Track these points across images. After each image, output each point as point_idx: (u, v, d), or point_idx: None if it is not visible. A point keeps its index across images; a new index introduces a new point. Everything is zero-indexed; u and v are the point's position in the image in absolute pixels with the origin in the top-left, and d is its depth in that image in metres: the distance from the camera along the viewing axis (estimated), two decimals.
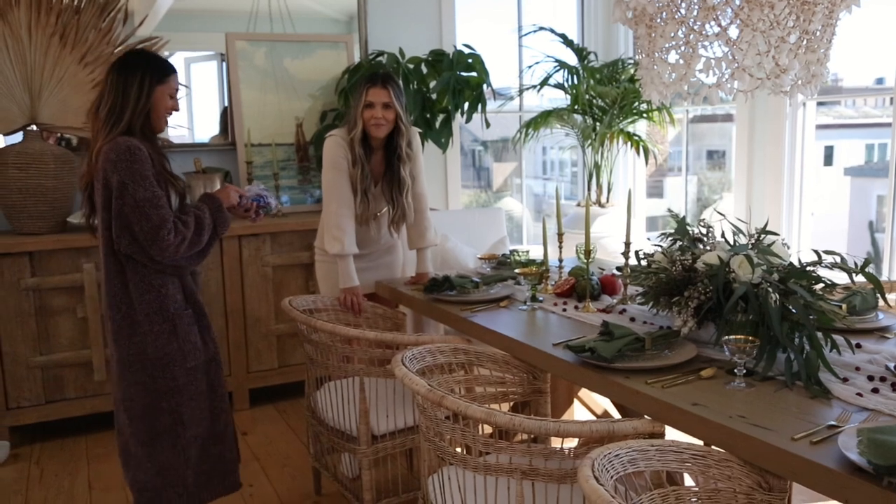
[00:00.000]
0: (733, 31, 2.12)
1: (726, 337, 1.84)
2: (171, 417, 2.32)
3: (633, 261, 2.55)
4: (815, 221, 4.80)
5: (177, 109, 2.41)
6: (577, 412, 3.23)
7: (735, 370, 1.82)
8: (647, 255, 2.37)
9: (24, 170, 3.48)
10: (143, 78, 2.27)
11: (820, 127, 5.26)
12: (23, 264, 3.39)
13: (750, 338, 1.83)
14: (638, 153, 4.86)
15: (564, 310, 2.61)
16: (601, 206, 4.89)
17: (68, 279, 3.47)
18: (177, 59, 4.25)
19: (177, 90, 2.38)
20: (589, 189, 4.93)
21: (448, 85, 4.12)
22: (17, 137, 3.65)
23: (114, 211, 2.21)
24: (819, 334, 1.90)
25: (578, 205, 5.10)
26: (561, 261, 3.02)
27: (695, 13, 2.08)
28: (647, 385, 1.82)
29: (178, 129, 4.19)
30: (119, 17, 3.83)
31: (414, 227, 3.16)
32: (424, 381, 1.83)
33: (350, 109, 3.05)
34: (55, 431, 3.63)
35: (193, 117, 4.33)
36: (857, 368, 1.88)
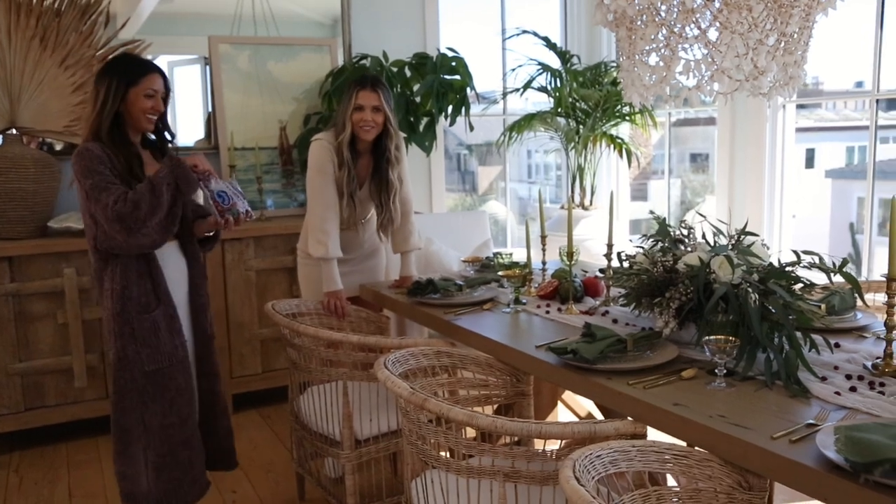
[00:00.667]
0: (713, 34, 2.14)
1: (707, 337, 1.85)
2: (134, 418, 2.37)
3: (615, 263, 2.56)
4: (796, 223, 4.84)
5: (158, 110, 2.43)
6: (562, 414, 3.24)
7: (716, 370, 1.83)
8: (628, 257, 2.38)
9: (4, 174, 3.45)
10: (111, 82, 2.35)
11: (801, 130, 5.31)
12: (2, 270, 3.36)
13: (730, 338, 1.84)
14: (621, 156, 4.88)
15: (548, 312, 2.61)
16: (584, 208, 4.91)
17: (48, 284, 3.44)
18: (160, 63, 4.19)
19: (157, 91, 2.41)
20: (572, 192, 4.95)
21: (432, 88, 4.12)
22: None
23: (80, 210, 2.35)
24: (798, 334, 1.91)
25: (562, 207, 5.11)
26: (544, 263, 3.02)
27: (675, 16, 2.10)
28: (628, 386, 1.83)
29: None
30: (100, 20, 3.81)
31: (399, 231, 3.15)
32: (407, 384, 1.83)
33: (337, 112, 3.05)
34: (35, 439, 3.59)
35: (177, 121, 4.31)
36: (836, 367, 1.89)
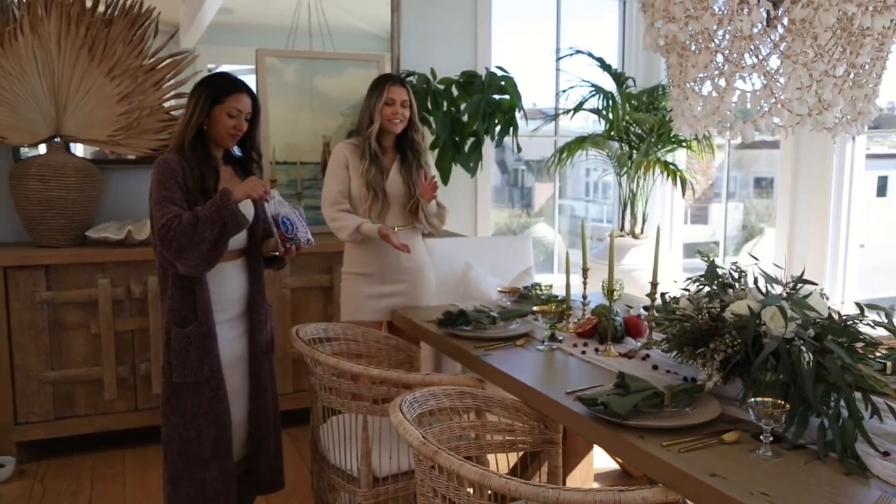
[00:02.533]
0: (773, 62, 1.97)
1: (753, 399, 1.67)
2: (162, 427, 2.45)
3: (659, 302, 2.39)
4: (864, 254, 4.56)
5: (240, 129, 2.49)
6: (598, 458, 3.06)
7: (761, 436, 1.65)
8: (672, 300, 2.21)
9: (46, 181, 3.45)
10: (199, 97, 2.44)
11: (872, 156, 5.01)
12: (38, 277, 3.35)
13: (779, 401, 1.65)
14: (675, 184, 4.67)
15: (584, 352, 2.45)
16: (635, 237, 4.71)
17: (83, 294, 3.42)
18: None
19: (241, 110, 2.46)
20: (623, 219, 4.76)
21: (479, 107, 4.00)
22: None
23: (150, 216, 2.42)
24: (858, 397, 1.72)
25: (609, 236, 4.93)
26: (585, 297, 2.86)
27: (730, 42, 1.93)
28: (662, 448, 1.66)
29: None
30: (150, 30, 3.80)
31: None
32: (420, 431, 1.70)
33: (363, 109, 3.13)
34: (63, 448, 3.57)
35: None
36: None
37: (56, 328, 3.41)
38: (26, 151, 3.72)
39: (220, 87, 2.45)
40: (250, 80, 4.19)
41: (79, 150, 3.81)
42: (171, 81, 3.84)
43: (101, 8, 3.66)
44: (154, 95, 3.78)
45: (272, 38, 4.23)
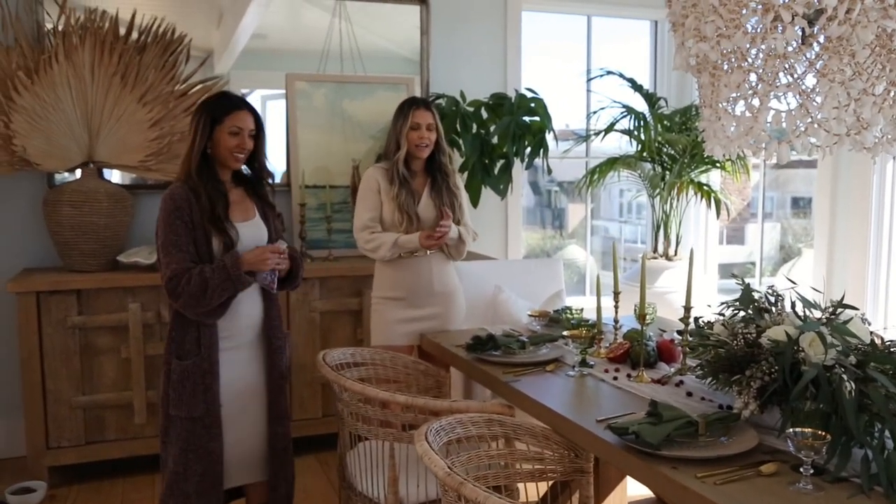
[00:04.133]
0: (809, 80, 1.91)
1: (791, 430, 1.60)
2: (162, 455, 2.49)
3: (693, 327, 2.32)
4: None
5: (243, 147, 2.44)
6: (632, 486, 2.98)
7: (801, 468, 1.58)
8: (706, 324, 2.14)
9: (78, 207, 3.49)
10: (199, 120, 2.41)
11: None
12: (70, 302, 3.38)
13: (819, 432, 1.58)
14: (709, 205, 4.59)
15: (616, 378, 2.39)
16: (668, 259, 4.63)
17: (114, 318, 3.44)
18: (254, 98, 4.29)
19: (242, 128, 2.42)
20: (656, 241, 4.68)
21: (508, 129, 3.98)
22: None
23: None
24: None
25: (643, 257, 4.85)
26: (617, 321, 2.80)
27: (763, 61, 1.88)
28: (697, 479, 1.60)
29: None
30: (182, 56, 3.85)
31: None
32: (445, 461, 1.66)
33: (390, 134, 3.13)
34: (93, 473, 3.57)
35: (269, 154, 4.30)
36: None
37: (87, 353, 3.44)
38: (60, 177, 3.78)
39: (219, 107, 2.42)
40: (280, 105, 4.26)
41: (115, 176, 3.86)
42: None
43: (135, 35, 3.72)
44: (185, 121, 3.81)
45: (304, 63, 4.26)
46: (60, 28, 3.58)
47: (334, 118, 4.21)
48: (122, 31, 3.70)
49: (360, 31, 4.36)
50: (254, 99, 4.27)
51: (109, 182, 3.75)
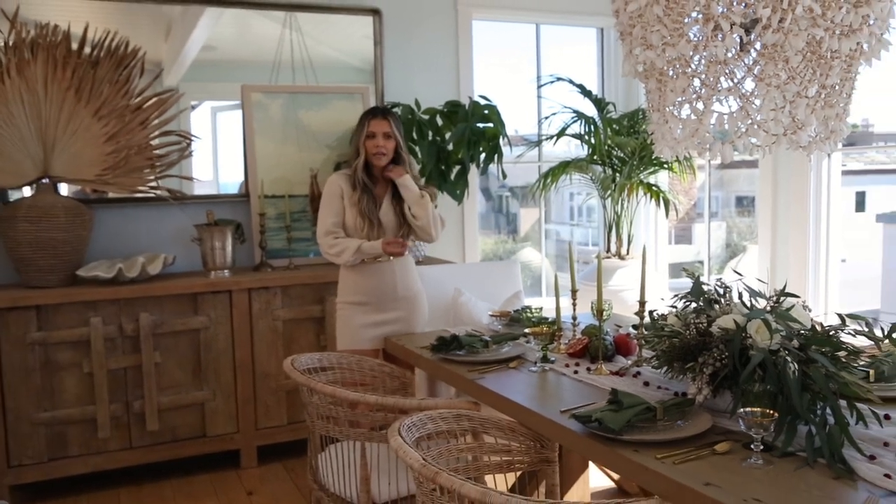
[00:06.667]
0: (748, 85, 2.04)
1: (742, 410, 1.72)
2: None
3: (647, 320, 2.44)
4: (846, 268, 4.64)
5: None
6: (594, 476, 3.09)
7: (752, 445, 1.69)
8: (660, 317, 2.26)
9: (35, 223, 3.47)
10: None
11: (850, 173, 5.11)
12: (29, 318, 3.36)
13: (767, 411, 1.70)
14: (658, 205, 4.75)
15: (576, 372, 2.49)
16: (621, 258, 4.78)
17: (75, 333, 3.43)
18: (204, 109, 4.28)
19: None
20: (609, 241, 4.83)
21: (463, 136, 4.08)
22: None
23: None
24: (844, 404, 1.77)
25: (596, 258, 4.99)
26: (575, 318, 2.91)
27: (705, 67, 2.00)
28: (656, 460, 1.70)
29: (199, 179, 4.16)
30: (136, 70, 3.85)
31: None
32: (420, 453, 1.73)
33: (351, 143, 3.25)
34: (57, 490, 3.54)
35: (218, 166, 4.32)
36: (886, 444, 1.74)
37: (48, 369, 3.41)
38: (14, 193, 3.74)
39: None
40: (231, 116, 4.28)
41: (63, 189, 3.84)
42: (158, 120, 3.89)
43: (88, 49, 3.72)
44: (141, 134, 3.83)
45: (255, 74, 4.29)
46: (11, 43, 3.56)
47: (291, 128, 4.25)
48: (75, 45, 3.69)
49: (311, 41, 4.41)
50: (203, 111, 4.27)
51: (66, 197, 3.73)
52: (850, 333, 1.91)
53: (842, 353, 1.89)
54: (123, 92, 3.79)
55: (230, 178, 4.35)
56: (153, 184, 3.88)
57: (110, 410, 3.49)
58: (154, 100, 3.88)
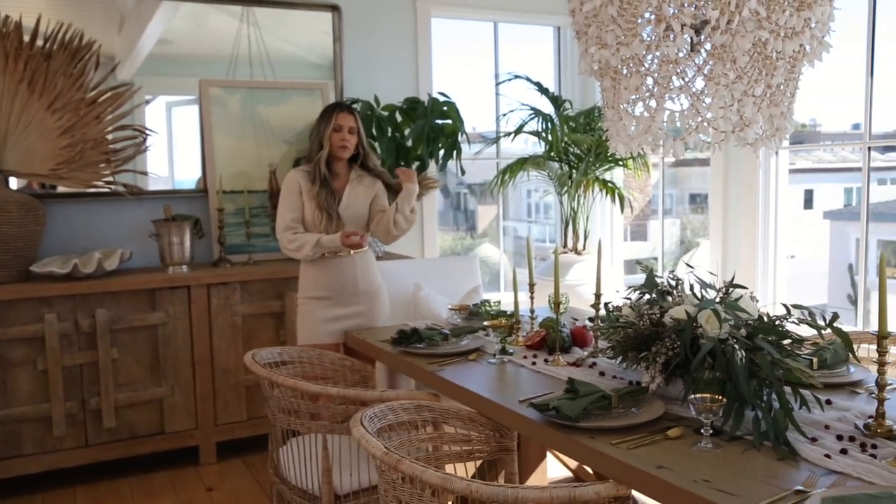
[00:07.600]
0: (699, 84, 2.12)
1: (692, 396, 1.79)
2: None
3: (603, 313, 2.51)
4: (795, 264, 4.80)
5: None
6: (550, 466, 3.15)
7: (702, 430, 1.76)
8: (615, 309, 2.33)
9: None
10: None
11: (798, 171, 5.27)
12: None
13: (716, 396, 1.78)
14: (613, 200, 4.85)
15: (534, 363, 2.55)
16: (577, 253, 4.87)
17: (29, 330, 3.38)
18: (158, 104, 4.24)
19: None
20: (565, 236, 4.91)
21: (422, 133, 4.11)
22: None
23: None
24: (788, 390, 1.86)
25: (553, 253, 5.07)
26: (532, 311, 2.97)
27: (658, 66, 2.07)
28: (612, 446, 1.76)
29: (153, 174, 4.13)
30: (91, 63, 3.80)
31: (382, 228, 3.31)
32: (382, 442, 1.76)
33: (313, 135, 3.25)
34: (10, 490, 3.49)
35: (174, 162, 4.28)
36: (827, 427, 1.83)
37: (0, 366, 3.36)
38: None
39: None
40: (186, 111, 4.25)
41: (13, 183, 3.77)
42: (113, 114, 3.84)
43: (40, 42, 3.66)
44: (96, 128, 3.78)
45: (212, 69, 4.26)
46: None
47: (249, 124, 4.24)
48: (27, 37, 3.62)
49: (269, 37, 4.40)
50: (158, 105, 4.23)
51: (19, 191, 3.67)
52: (794, 323, 1.99)
53: (787, 342, 1.98)
54: (78, 85, 3.74)
55: (186, 175, 4.32)
56: (109, 179, 3.83)
57: (66, 408, 3.45)
58: (109, 94, 3.83)
